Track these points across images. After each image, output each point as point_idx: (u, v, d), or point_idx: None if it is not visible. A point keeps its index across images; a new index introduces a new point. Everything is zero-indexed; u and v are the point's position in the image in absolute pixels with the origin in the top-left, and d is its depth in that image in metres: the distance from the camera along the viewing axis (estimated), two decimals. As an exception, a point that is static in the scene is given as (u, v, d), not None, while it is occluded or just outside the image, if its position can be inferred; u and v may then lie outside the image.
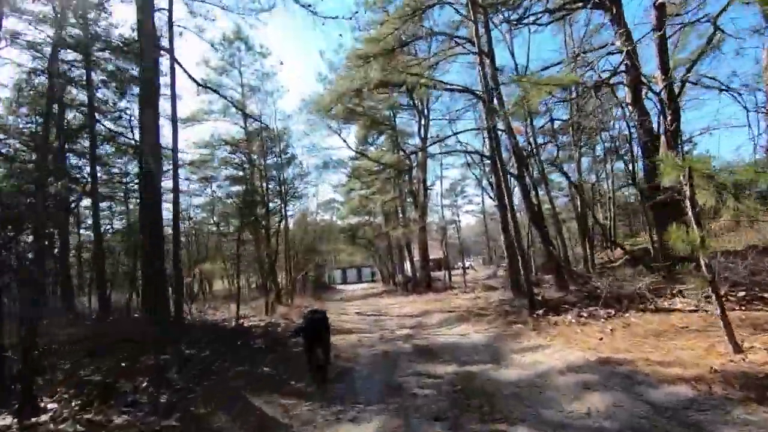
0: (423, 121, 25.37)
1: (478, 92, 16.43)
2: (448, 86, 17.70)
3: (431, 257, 34.17)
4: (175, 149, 11.77)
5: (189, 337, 8.82)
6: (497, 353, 7.36)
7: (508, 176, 14.24)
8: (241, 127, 24.16)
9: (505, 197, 14.10)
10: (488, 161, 21.59)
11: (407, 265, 35.28)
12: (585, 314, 8.93)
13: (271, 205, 23.51)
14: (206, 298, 26.29)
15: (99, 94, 17.34)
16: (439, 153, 25.22)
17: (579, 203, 24.98)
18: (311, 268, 41.05)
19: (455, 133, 21.63)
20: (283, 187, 23.87)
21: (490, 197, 35.11)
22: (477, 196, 50.96)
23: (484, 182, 35.49)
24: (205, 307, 18.89)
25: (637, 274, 11.19)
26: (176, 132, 11.91)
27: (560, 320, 9.03)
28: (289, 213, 40.73)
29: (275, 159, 24.84)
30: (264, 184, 22.85)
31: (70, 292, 16.49)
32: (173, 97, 12.07)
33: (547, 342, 7.68)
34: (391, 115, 26.92)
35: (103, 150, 19.03)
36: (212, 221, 26.90)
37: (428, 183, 27.07)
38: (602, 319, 8.47)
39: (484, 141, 30.63)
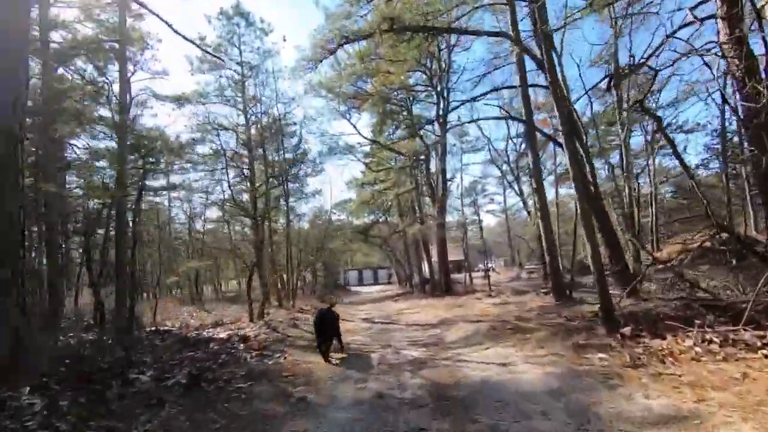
0: (442, 104, 21.73)
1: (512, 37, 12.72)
2: (475, 31, 14.06)
3: (450, 259, 30.51)
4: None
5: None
6: (594, 424, 3.69)
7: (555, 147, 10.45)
8: (239, 111, 21.06)
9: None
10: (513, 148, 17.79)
11: (425, 267, 31.63)
12: (714, 338, 5.18)
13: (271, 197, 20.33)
14: (202, 300, 23.30)
15: None
16: (464, 123, 21.69)
17: (627, 192, 20.99)
18: (319, 269, 37.87)
19: (477, 120, 17.77)
20: (284, 177, 20.57)
21: (516, 192, 31.30)
22: (498, 194, 46.90)
23: (509, 176, 31.70)
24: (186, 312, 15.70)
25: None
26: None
27: (669, 347, 5.29)
28: (301, 211, 37.94)
29: (277, 146, 21.55)
30: (264, 171, 19.59)
31: None
32: None
33: (675, 395, 3.99)
34: (407, 99, 23.39)
35: None
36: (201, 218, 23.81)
37: (447, 176, 23.32)
38: (754, 348, 4.72)
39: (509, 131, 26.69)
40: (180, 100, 18.59)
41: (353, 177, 26.49)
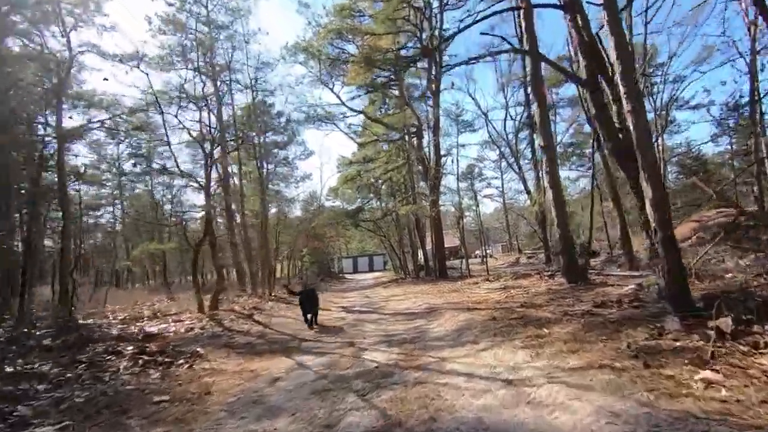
0: (434, 69, 18.98)
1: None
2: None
3: (447, 245, 27.94)
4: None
5: None
6: None
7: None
8: (205, 77, 18.29)
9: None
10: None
11: (420, 253, 29.14)
12: None
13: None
14: (170, 289, 20.80)
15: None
16: (457, 65, 18.90)
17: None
18: (310, 256, 35.45)
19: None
20: (258, 150, 17.93)
21: (515, 170, 28.55)
22: (496, 178, 44.19)
23: (508, 155, 28.95)
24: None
25: None
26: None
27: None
28: (290, 195, 35.25)
29: (249, 117, 18.87)
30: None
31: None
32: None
33: None
34: (396, 65, 20.63)
35: None
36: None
37: (442, 152, 20.64)
38: None
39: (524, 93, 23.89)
40: (132, 60, 15.83)
41: (340, 156, 23.68)
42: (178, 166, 10.83)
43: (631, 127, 5.09)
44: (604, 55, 8.40)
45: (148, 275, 28.12)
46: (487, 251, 48.31)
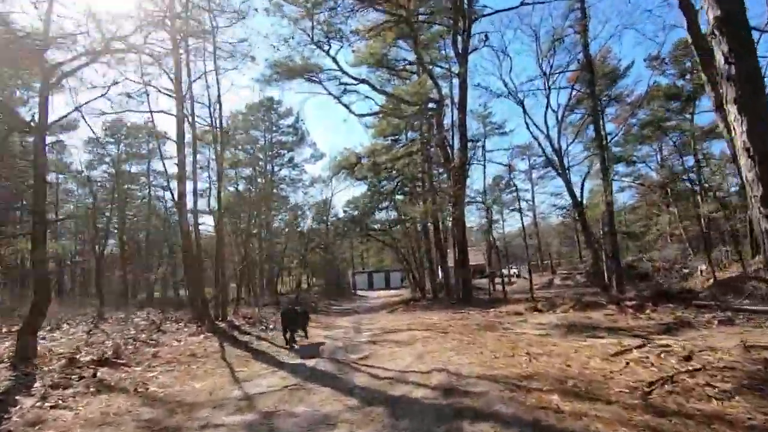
0: (463, 23, 13.53)
1: None
2: None
3: (470, 263, 21.88)
4: None
5: None
6: None
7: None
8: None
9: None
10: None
11: (439, 269, 23.22)
12: None
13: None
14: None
15: None
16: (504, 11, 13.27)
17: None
18: (320, 270, 30.17)
19: None
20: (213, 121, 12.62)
21: (557, 172, 22.25)
22: (526, 190, 37.63)
23: (551, 154, 22.73)
24: None
25: None
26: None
27: None
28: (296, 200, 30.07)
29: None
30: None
31: None
32: None
33: None
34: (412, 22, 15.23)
35: None
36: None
37: (468, 135, 14.92)
38: None
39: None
40: None
41: (345, 149, 18.03)
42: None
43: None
44: None
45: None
46: (513, 270, 41.44)
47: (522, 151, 34.55)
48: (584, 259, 36.87)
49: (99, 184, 28.25)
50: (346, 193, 67.48)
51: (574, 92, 18.54)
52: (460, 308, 13.72)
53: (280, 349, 7.49)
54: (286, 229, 29.64)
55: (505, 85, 15.48)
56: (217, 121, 11.53)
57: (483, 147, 20.39)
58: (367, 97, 13.61)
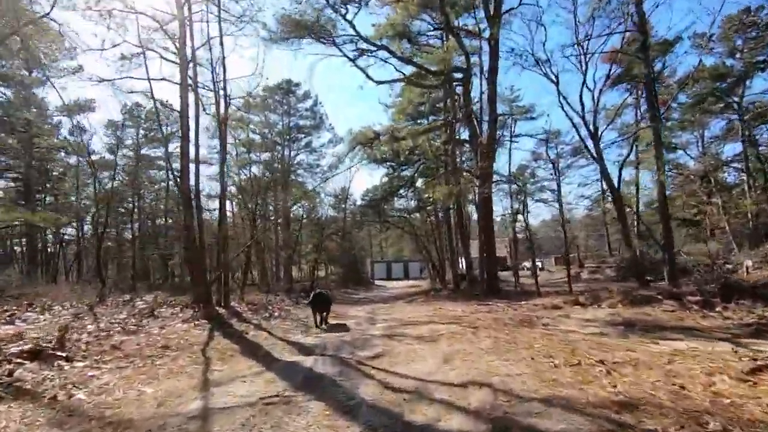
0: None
1: None
2: None
3: (475, 256, 20.11)
4: None
5: None
6: None
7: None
8: None
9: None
10: None
11: (461, 260, 21.63)
12: None
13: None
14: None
15: None
16: None
17: None
18: (338, 257, 29.09)
19: None
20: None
21: (593, 156, 20.10)
22: (551, 179, 35.16)
23: (586, 137, 20.56)
24: None
25: None
26: None
27: None
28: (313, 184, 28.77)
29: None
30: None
31: None
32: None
33: None
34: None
35: None
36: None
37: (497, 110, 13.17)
38: None
39: None
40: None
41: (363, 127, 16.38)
42: None
43: None
44: None
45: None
46: (538, 263, 39.28)
47: (551, 138, 32.29)
48: (614, 253, 34.37)
49: (120, 168, 27.83)
50: (363, 183, 66.11)
51: (612, 70, 16.46)
52: (486, 300, 12.20)
53: (278, 341, 6.20)
54: (304, 217, 28.51)
55: (538, 63, 13.59)
56: (221, 86, 10.27)
57: (511, 132, 18.49)
58: (385, 61, 12.04)
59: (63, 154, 25.81)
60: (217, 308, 9.37)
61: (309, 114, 28.23)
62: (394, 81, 12.57)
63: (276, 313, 9.63)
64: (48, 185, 25.52)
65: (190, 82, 10.69)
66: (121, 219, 27.44)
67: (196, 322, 7.47)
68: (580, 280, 24.69)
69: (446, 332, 6.28)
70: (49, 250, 25.29)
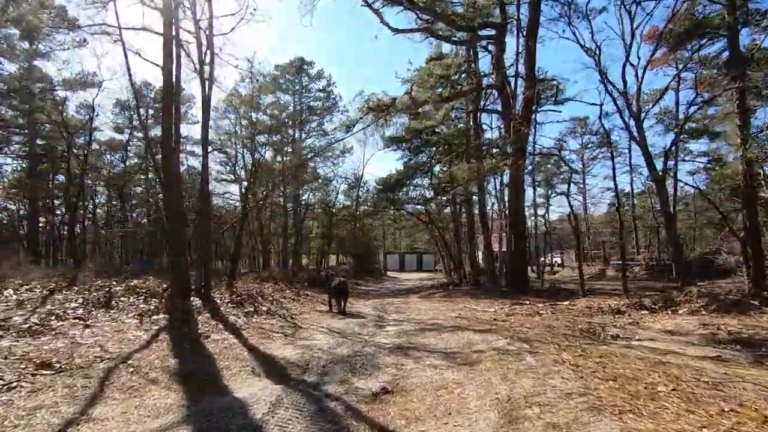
0: None
1: None
2: None
3: (501, 250, 17.63)
4: None
5: None
6: None
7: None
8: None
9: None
10: None
11: (479, 252, 19.38)
12: None
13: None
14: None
15: None
16: None
17: None
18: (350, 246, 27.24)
19: None
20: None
21: (635, 141, 17.41)
22: (577, 172, 32.11)
23: (628, 118, 17.88)
24: None
25: None
26: None
27: None
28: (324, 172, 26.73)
29: None
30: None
31: None
32: None
33: None
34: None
35: None
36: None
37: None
38: None
39: None
40: None
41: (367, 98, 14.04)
42: None
43: None
44: None
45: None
46: (556, 259, 36.66)
47: (578, 125, 29.35)
48: (642, 250, 31.44)
49: (128, 149, 26.41)
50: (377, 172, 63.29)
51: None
52: (515, 298, 10.05)
53: (244, 351, 4.23)
54: (316, 207, 26.60)
55: (587, 14, 11.15)
56: (205, 35, 8.25)
57: (535, 119, 15.89)
58: (404, 6, 9.78)
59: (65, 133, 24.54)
60: (193, 299, 7.49)
61: (322, 95, 26.19)
62: (413, 30, 10.33)
63: (264, 307, 7.69)
64: (53, 165, 24.24)
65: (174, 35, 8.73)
66: (130, 204, 26.11)
67: (151, 318, 5.58)
68: (605, 278, 22.19)
69: (487, 348, 4.19)
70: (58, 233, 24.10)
